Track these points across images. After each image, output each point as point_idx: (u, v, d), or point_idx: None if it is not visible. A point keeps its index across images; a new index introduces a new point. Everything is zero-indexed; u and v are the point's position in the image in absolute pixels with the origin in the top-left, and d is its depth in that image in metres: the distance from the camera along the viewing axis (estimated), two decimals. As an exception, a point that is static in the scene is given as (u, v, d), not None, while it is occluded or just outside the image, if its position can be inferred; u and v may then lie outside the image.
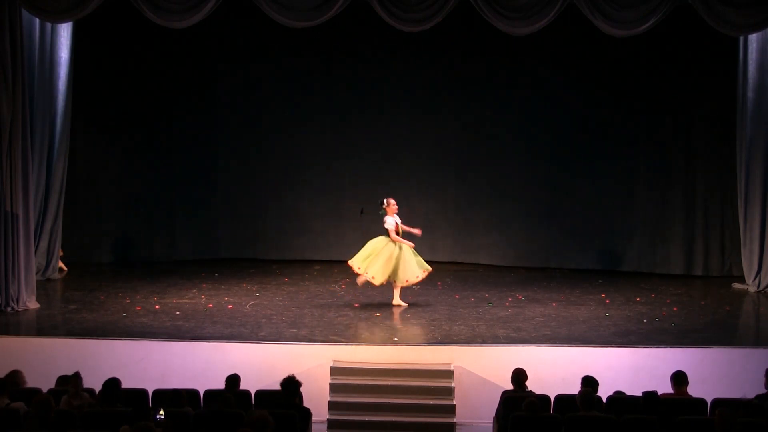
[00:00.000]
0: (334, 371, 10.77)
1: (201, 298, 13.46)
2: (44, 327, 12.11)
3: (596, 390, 8.84)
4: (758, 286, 14.14)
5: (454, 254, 16.67)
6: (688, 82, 15.78)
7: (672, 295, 14.03)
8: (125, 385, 8.71)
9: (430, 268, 13.04)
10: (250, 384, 9.37)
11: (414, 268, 12.78)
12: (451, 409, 10.51)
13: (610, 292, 14.12)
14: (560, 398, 9.00)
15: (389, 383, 10.70)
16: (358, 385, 10.70)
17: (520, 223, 16.50)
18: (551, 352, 10.92)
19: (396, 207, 12.93)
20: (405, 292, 14.10)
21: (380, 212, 12.90)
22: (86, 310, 12.63)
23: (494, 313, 12.75)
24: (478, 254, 16.69)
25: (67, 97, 14.48)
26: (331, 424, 10.36)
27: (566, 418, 8.25)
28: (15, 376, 8.98)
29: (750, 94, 13.89)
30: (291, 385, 8.73)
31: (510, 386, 9.45)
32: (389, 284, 12.97)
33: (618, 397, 9.08)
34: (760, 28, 12.88)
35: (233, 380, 9.21)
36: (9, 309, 12.47)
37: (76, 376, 8.73)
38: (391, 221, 12.83)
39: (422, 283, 14.76)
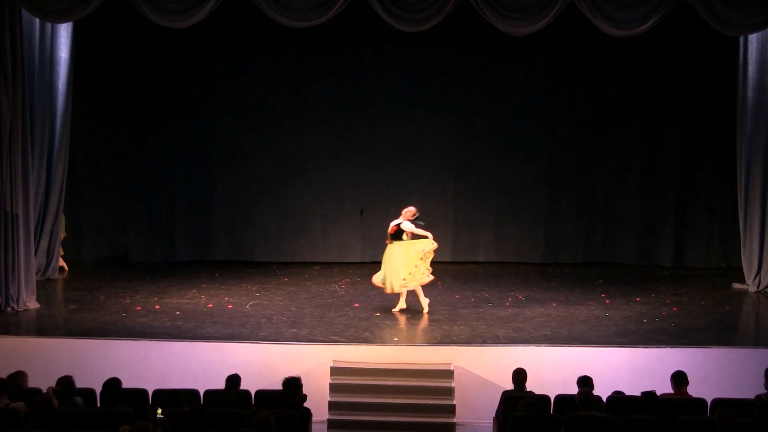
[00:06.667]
0: (334, 371, 10.77)
1: (201, 298, 13.46)
2: (44, 327, 12.10)
3: (592, 389, 8.83)
4: (758, 286, 14.14)
5: (453, 254, 16.68)
6: (688, 81, 15.82)
7: (672, 295, 14.03)
8: (125, 385, 8.70)
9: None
10: (250, 384, 9.37)
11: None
12: (451, 409, 10.51)
13: (610, 292, 14.13)
14: (560, 398, 8.99)
15: (389, 383, 10.69)
16: (358, 385, 10.70)
17: (520, 222, 16.54)
18: (551, 352, 10.92)
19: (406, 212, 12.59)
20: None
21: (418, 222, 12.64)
22: (86, 310, 12.63)
23: (494, 313, 12.75)
24: (477, 253, 16.70)
25: (67, 97, 14.48)
26: (331, 424, 10.36)
27: (566, 418, 8.25)
28: (18, 377, 8.96)
29: (750, 94, 13.89)
30: (292, 384, 8.73)
31: (510, 386, 9.45)
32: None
33: (618, 397, 9.08)
34: (760, 28, 12.89)
35: (233, 380, 9.21)
36: (9, 309, 12.47)
37: (64, 381, 8.67)
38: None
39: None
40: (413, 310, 12.74)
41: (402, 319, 12.28)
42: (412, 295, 12.70)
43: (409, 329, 11.76)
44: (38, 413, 7.79)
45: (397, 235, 12.44)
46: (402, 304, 12.72)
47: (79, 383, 8.85)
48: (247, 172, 16.56)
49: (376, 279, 12.57)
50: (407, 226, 12.40)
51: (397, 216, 12.53)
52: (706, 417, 8.58)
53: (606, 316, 12.59)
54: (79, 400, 8.51)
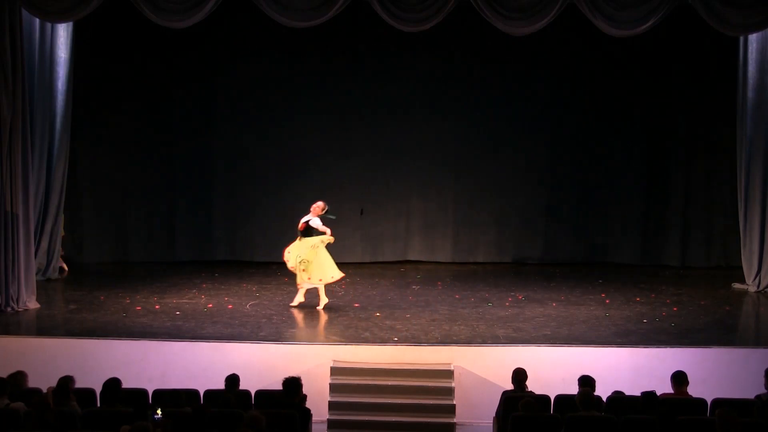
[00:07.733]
0: (334, 371, 10.76)
1: (201, 298, 13.46)
2: (44, 327, 12.09)
3: (594, 389, 8.84)
4: (758, 286, 14.14)
5: (453, 254, 16.67)
6: (688, 81, 15.82)
7: (672, 295, 14.02)
8: (125, 385, 8.71)
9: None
10: (250, 384, 9.36)
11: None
12: (451, 409, 10.50)
13: (610, 292, 14.13)
14: (560, 398, 8.99)
15: (389, 383, 10.69)
16: (358, 385, 10.70)
17: (520, 222, 16.54)
18: (551, 352, 10.91)
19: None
20: (406, 291, 14.15)
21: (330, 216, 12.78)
22: (86, 310, 12.63)
23: (494, 313, 12.74)
24: (477, 253, 16.70)
25: (67, 97, 14.47)
26: (331, 424, 10.35)
27: (566, 418, 8.25)
28: (18, 377, 8.96)
29: (750, 94, 13.89)
30: (292, 384, 8.74)
31: (510, 386, 9.45)
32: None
33: (618, 397, 9.08)
34: (760, 28, 12.89)
35: (233, 380, 9.21)
36: (9, 309, 12.47)
37: (61, 382, 8.65)
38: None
39: (422, 283, 14.85)
40: (415, 308, 12.77)
41: (401, 319, 12.27)
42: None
43: (409, 329, 11.75)
44: (37, 413, 7.80)
45: (307, 232, 12.63)
46: (300, 298, 12.89)
47: (79, 383, 8.87)
48: (247, 172, 16.55)
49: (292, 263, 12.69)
50: (315, 223, 12.61)
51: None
52: (706, 417, 8.58)
53: (606, 316, 12.59)
54: (75, 405, 8.48)
